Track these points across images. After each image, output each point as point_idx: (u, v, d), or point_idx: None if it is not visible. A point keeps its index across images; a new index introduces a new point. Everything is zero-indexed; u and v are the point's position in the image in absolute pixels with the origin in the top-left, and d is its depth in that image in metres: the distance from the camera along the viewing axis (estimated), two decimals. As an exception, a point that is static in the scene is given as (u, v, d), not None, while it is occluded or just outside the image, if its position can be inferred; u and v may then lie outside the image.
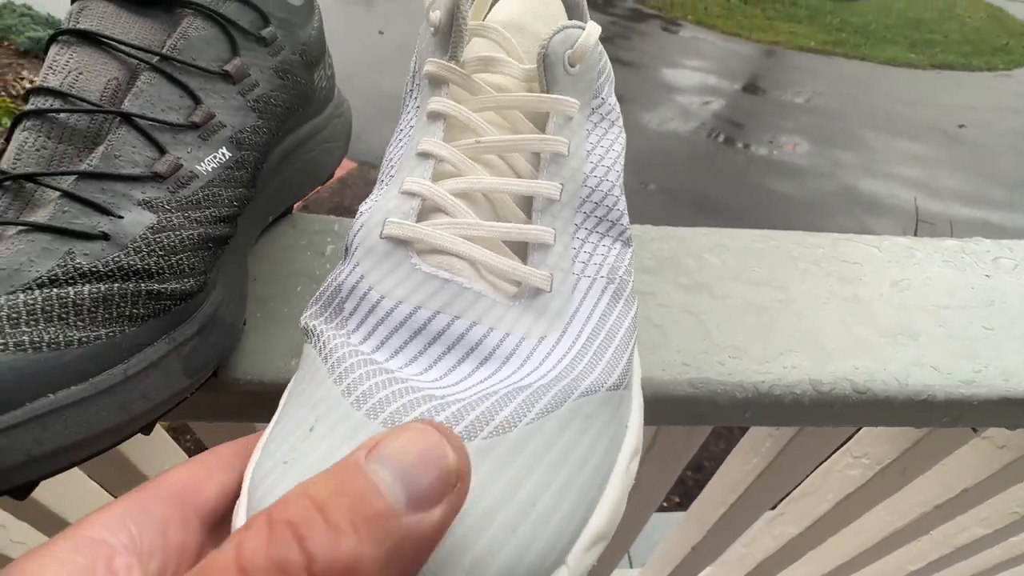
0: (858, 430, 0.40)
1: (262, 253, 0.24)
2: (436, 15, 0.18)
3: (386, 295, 0.15)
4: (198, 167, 0.18)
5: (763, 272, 0.27)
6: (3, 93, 2.66)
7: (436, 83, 0.19)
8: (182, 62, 0.18)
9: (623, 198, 0.20)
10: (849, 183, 2.71)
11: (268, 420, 0.22)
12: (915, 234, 1.55)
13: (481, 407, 0.12)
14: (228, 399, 0.21)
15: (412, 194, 0.16)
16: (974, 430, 0.32)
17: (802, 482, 0.46)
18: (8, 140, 0.17)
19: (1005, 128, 3.29)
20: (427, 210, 0.17)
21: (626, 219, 0.20)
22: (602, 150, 0.20)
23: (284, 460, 0.12)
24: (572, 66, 0.19)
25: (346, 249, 0.17)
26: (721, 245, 0.28)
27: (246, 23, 0.20)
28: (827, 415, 0.23)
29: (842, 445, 0.41)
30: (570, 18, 0.23)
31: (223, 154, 0.18)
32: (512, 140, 0.18)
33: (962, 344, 0.24)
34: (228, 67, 0.19)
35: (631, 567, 0.76)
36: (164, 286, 0.16)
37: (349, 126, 0.30)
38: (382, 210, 0.16)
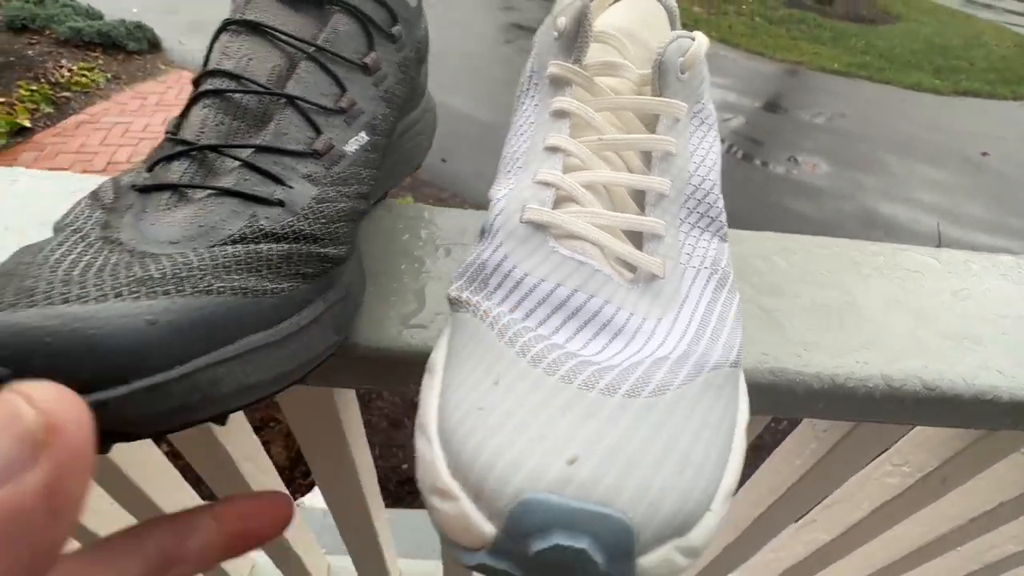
0: (897, 440, 0.41)
1: (366, 234, 0.26)
2: (562, 21, 0.20)
3: (529, 273, 0.17)
4: (345, 148, 0.19)
5: (829, 276, 0.29)
6: (43, 80, 2.74)
7: (559, 84, 0.20)
8: (333, 53, 0.20)
9: (721, 197, 0.22)
10: (869, 206, 2.71)
11: (379, 384, 0.24)
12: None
13: (637, 372, 0.14)
14: (349, 363, 0.22)
15: (547, 184, 0.18)
16: None
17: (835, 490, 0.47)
18: (183, 115, 0.19)
19: (1029, 158, 3.27)
20: (560, 199, 0.18)
21: (724, 216, 0.21)
22: (703, 151, 0.21)
23: (479, 407, 0.13)
24: (683, 73, 0.20)
25: (482, 231, 0.19)
26: (787, 248, 0.30)
27: (380, 21, 0.22)
28: (897, 411, 0.24)
29: (881, 454, 0.42)
30: (671, 27, 0.25)
31: (362, 137, 0.20)
32: (629, 139, 0.20)
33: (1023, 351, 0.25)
34: (366, 60, 0.21)
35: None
36: (326, 250, 0.18)
37: (435, 120, 0.32)
38: (519, 198, 0.18)
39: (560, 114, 0.20)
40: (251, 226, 0.16)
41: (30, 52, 2.90)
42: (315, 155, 0.18)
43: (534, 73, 0.22)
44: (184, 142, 0.18)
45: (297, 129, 0.18)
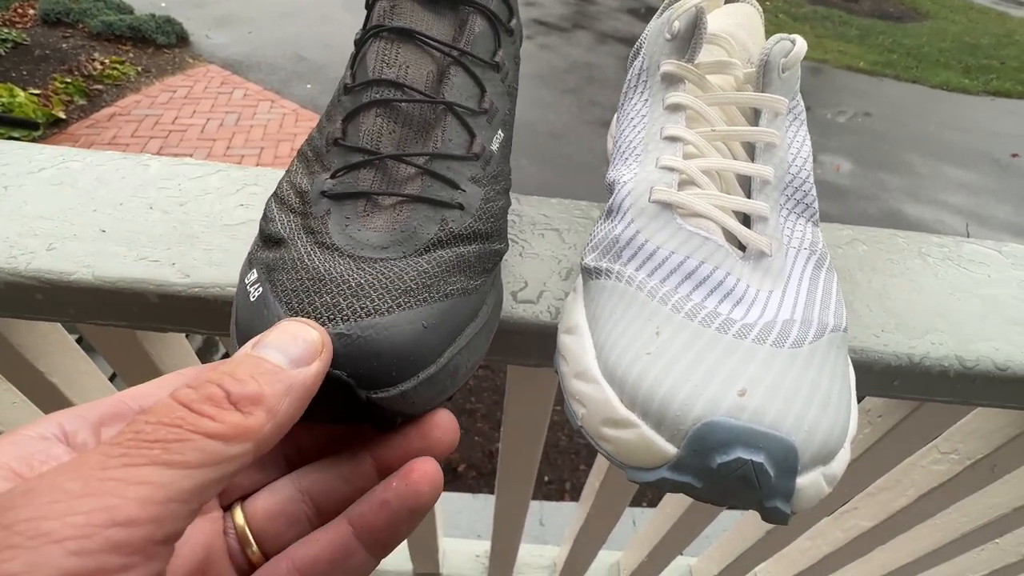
0: (948, 427, 0.42)
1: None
2: (677, 25, 0.22)
3: (660, 246, 0.19)
4: (491, 147, 0.21)
5: (898, 265, 0.30)
6: (76, 73, 2.82)
7: (672, 81, 0.22)
8: (474, 56, 0.22)
9: (814, 186, 0.24)
10: (894, 207, 2.68)
11: (492, 357, 0.26)
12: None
13: (774, 329, 0.16)
14: None
15: (671, 169, 0.20)
16: None
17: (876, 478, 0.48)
18: (347, 121, 0.21)
19: (1061, 160, 3.21)
20: (682, 183, 0.20)
21: (816, 204, 0.23)
22: (799, 143, 0.23)
23: (647, 352, 0.16)
24: (784, 72, 0.22)
25: (608, 211, 0.21)
26: (856, 239, 0.32)
27: (504, 17, 0.24)
28: (970, 390, 0.26)
29: (931, 442, 0.43)
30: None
31: (500, 134, 0.22)
32: (738, 131, 0.22)
33: (1090, 338, 0.27)
34: (496, 58, 0.23)
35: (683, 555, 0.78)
36: (497, 246, 0.20)
37: None
38: (647, 180, 0.20)
39: (676, 107, 0.22)
40: (443, 229, 0.18)
41: (64, 46, 2.98)
42: (475, 158, 0.20)
43: (643, 71, 0.24)
44: (366, 151, 0.19)
45: (458, 134, 0.20)
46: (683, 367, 0.15)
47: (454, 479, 1.28)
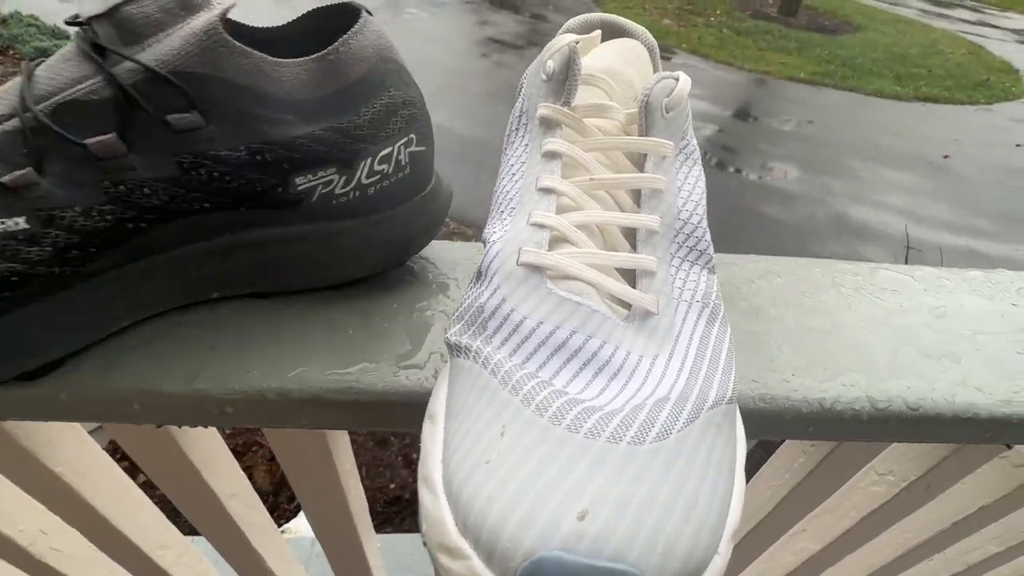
0: (882, 451, 0.42)
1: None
2: (551, 65, 0.21)
3: (527, 316, 0.17)
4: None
5: (811, 298, 0.29)
6: (5, 101, 2.66)
7: (549, 125, 0.21)
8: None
9: (708, 230, 0.22)
10: (840, 210, 2.78)
11: (374, 426, 0.24)
12: (905, 261, 1.61)
13: (640, 416, 0.14)
14: (343, 406, 0.22)
15: (541, 226, 0.18)
16: (1008, 446, 0.34)
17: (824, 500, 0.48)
18: None
19: (987, 161, 3.42)
20: (555, 240, 0.19)
21: (711, 249, 0.22)
22: (689, 186, 0.22)
23: (486, 460, 0.13)
24: (668, 112, 0.21)
25: (479, 274, 0.19)
26: (771, 272, 0.31)
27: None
28: (883, 431, 0.25)
29: (867, 464, 0.43)
30: (653, 64, 0.26)
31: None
32: (619, 178, 0.20)
33: (1000, 366, 0.26)
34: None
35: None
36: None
37: (367, 247, 0.24)
38: (515, 240, 0.18)
39: (552, 155, 0.20)
40: None
41: (-7, 73, 2.82)
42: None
43: (523, 114, 0.22)
44: None
45: None
46: (520, 481, 0.13)
47: (400, 512, 1.23)
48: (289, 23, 0.23)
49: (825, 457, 0.36)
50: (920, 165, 3.27)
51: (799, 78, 4.10)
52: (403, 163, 0.24)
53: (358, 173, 0.22)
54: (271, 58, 0.20)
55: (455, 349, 0.18)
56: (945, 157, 3.37)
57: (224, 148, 0.20)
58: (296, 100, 0.21)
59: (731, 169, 3.00)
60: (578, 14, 0.28)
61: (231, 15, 0.21)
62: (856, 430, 0.25)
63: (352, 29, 0.21)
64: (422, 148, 0.24)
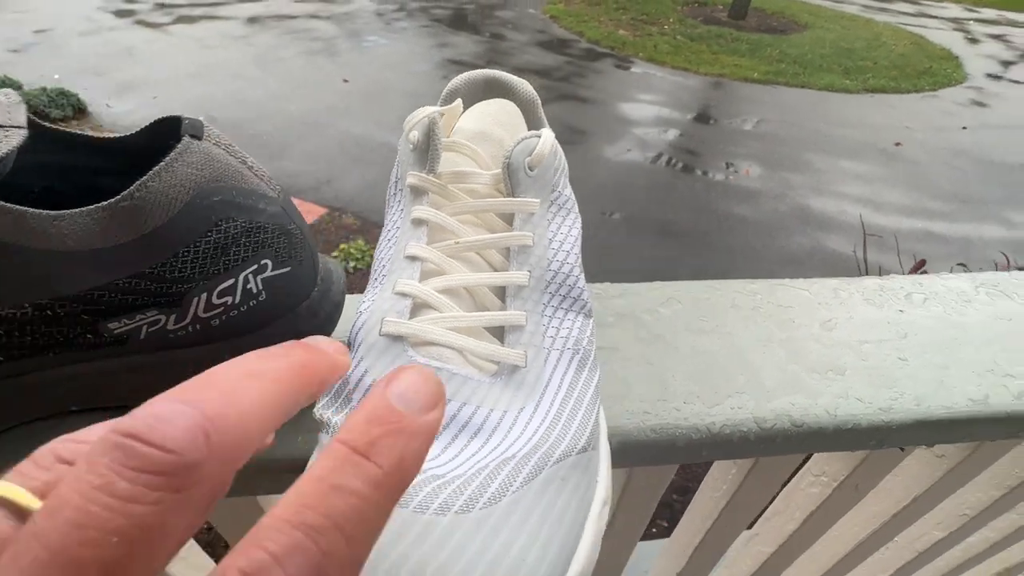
0: (802, 457, 0.43)
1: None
2: (415, 135, 0.22)
3: None
4: None
5: (709, 321, 0.31)
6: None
7: (417, 193, 0.22)
8: None
9: (582, 276, 0.23)
10: (801, 203, 2.86)
11: (274, 492, 0.24)
12: (864, 248, 1.66)
13: (475, 482, 0.15)
14: (267, 474, 0.23)
15: (404, 295, 0.19)
16: (901, 449, 0.36)
17: (772, 502, 0.49)
18: None
19: (936, 145, 3.56)
20: (418, 307, 0.20)
21: (586, 293, 0.23)
22: (561, 236, 0.23)
23: None
24: (531, 170, 0.22)
25: (349, 344, 0.20)
26: (673, 298, 0.32)
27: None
28: (771, 448, 0.26)
29: (802, 465, 0.44)
30: (527, 120, 0.27)
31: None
32: (484, 239, 0.21)
33: (880, 375, 0.28)
34: None
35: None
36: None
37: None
38: (379, 310, 0.19)
39: (418, 223, 0.21)
40: None
41: (-58, 129, 2.76)
42: None
43: (398, 180, 0.23)
44: None
45: None
46: None
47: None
48: (131, 134, 0.21)
49: (751, 469, 0.37)
50: (874, 154, 3.39)
51: (753, 79, 4.23)
52: (255, 291, 0.21)
53: (191, 309, 0.20)
54: (43, 212, 0.17)
55: (321, 424, 0.18)
56: (897, 144, 3.49)
57: (5, 308, 0.18)
58: (86, 251, 0.18)
59: (697, 172, 3.06)
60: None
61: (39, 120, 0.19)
62: (747, 450, 0.26)
63: (160, 164, 0.18)
64: (283, 270, 0.22)
